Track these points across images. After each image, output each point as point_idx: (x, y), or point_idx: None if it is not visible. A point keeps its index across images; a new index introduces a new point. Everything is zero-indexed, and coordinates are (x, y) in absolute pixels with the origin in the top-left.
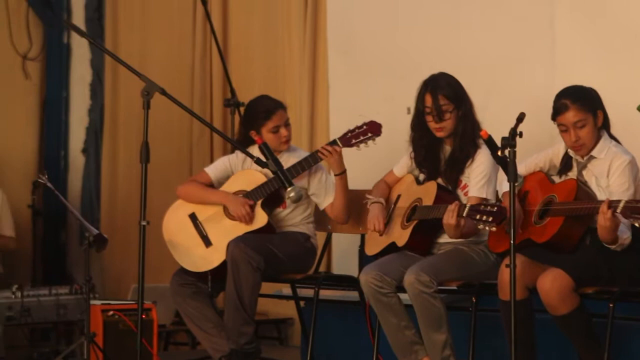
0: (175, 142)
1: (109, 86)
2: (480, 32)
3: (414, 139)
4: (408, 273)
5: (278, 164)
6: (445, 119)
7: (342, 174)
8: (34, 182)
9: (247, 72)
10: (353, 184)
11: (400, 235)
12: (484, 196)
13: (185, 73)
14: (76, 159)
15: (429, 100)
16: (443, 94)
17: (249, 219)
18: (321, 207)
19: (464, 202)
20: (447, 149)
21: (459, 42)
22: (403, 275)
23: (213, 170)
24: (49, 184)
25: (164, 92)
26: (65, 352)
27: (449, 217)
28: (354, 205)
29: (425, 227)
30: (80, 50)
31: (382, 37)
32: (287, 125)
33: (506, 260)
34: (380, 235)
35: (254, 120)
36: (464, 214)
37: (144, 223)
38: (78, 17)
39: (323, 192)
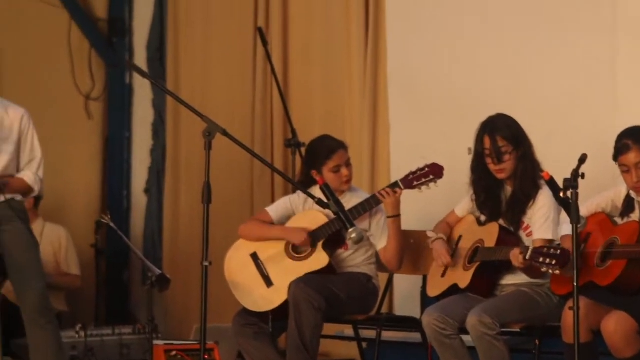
0: (236, 182)
1: (171, 126)
2: (541, 72)
3: (474, 181)
4: (471, 315)
5: (339, 205)
6: (504, 161)
7: (395, 217)
8: (97, 222)
9: (308, 112)
10: (414, 225)
11: (463, 276)
12: (549, 237)
13: (246, 113)
14: (139, 199)
15: (487, 142)
16: (501, 135)
17: (305, 236)
18: (377, 249)
19: (526, 243)
20: (508, 190)
21: (519, 82)
22: (465, 317)
23: (274, 210)
24: (111, 224)
25: (225, 133)
26: None
27: (516, 262)
28: (415, 246)
29: (488, 269)
30: (142, 90)
31: (442, 76)
32: (348, 165)
33: (569, 303)
34: (448, 266)
35: (315, 160)
36: (527, 257)
37: (206, 263)
38: (140, 57)
39: (379, 234)
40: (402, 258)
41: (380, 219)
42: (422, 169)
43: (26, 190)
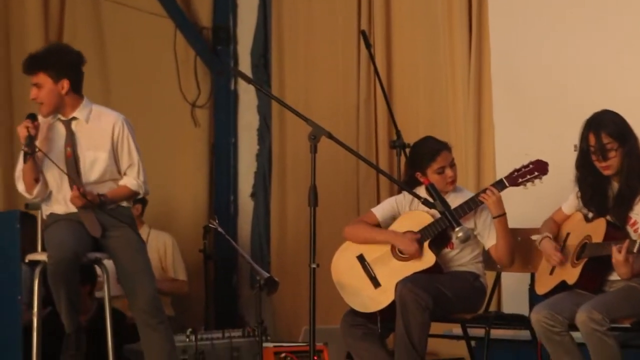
0: (341, 184)
1: (276, 131)
2: None
3: (580, 178)
4: (580, 311)
5: (446, 205)
6: (610, 157)
7: (499, 216)
8: (205, 227)
9: (411, 113)
10: (521, 223)
11: (571, 273)
12: None
13: (350, 116)
14: (245, 204)
15: (592, 140)
16: (607, 132)
17: (419, 254)
18: (486, 248)
19: (634, 238)
20: (615, 185)
21: (624, 79)
22: (575, 313)
23: (380, 211)
24: (219, 229)
25: (330, 136)
26: None
27: (617, 254)
28: (523, 243)
29: (596, 265)
30: (247, 96)
31: (546, 75)
32: (452, 165)
33: None
34: (560, 263)
35: (419, 161)
36: (635, 250)
37: (314, 266)
38: (244, 64)
39: (487, 232)
40: (514, 254)
41: (487, 217)
42: (527, 166)
43: (131, 196)
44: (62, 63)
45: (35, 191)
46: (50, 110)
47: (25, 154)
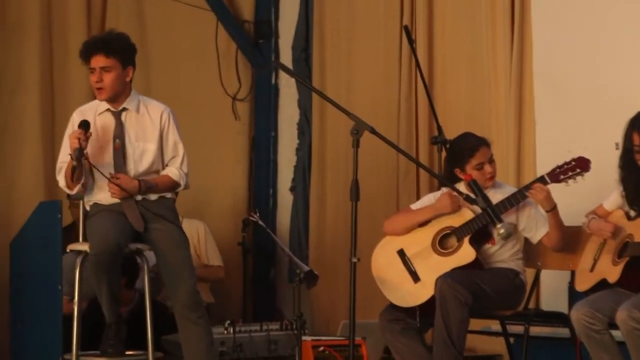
0: (381, 179)
1: (317, 125)
2: None
3: (624, 178)
4: (620, 310)
5: (487, 201)
6: None
7: (553, 209)
8: (244, 220)
9: (453, 109)
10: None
11: (612, 271)
12: None
13: (391, 111)
14: (284, 198)
15: (636, 139)
16: None
17: (458, 204)
18: (535, 241)
19: None
20: None
21: None
22: (615, 312)
23: (420, 207)
24: (260, 222)
25: (373, 131)
26: None
27: None
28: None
29: (638, 264)
30: (288, 90)
31: (588, 72)
32: (491, 161)
33: None
34: (613, 235)
35: (458, 158)
36: None
37: (354, 260)
38: (286, 58)
39: (534, 225)
40: (565, 240)
41: (530, 210)
42: (569, 163)
43: (172, 186)
44: (130, 51)
45: (76, 189)
46: (110, 96)
47: (74, 167)
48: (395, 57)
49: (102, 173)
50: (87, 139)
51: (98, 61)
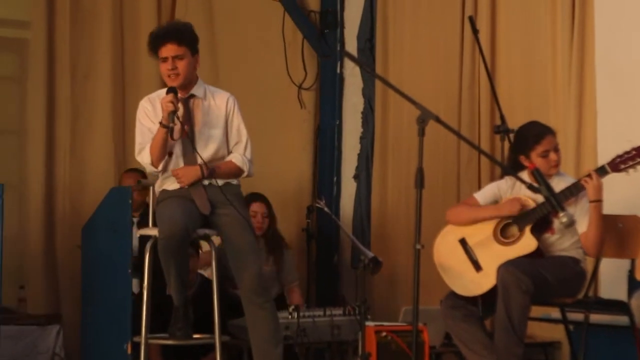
0: (443, 167)
1: (379, 114)
2: None
3: None
4: None
5: (550, 189)
6: None
7: (596, 201)
8: (309, 207)
9: (513, 99)
10: (622, 209)
11: None
12: None
13: (453, 101)
14: (348, 185)
15: None
16: None
17: (518, 205)
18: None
19: None
20: None
21: None
22: None
23: (482, 196)
24: (326, 209)
25: (438, 120)
26: None
27: None
28: (623, 230)
29: None
30: (352, 79)
31: None
32: (556, 150)
33: None
34: None
35: (524, 145)
36: None
37: (418, 247)
38: (351, 47)
39: (581, 219)
40: (602, 245)
41: (585, 203)
42: (629, 152)
43: (236, 172)
44: (196, 40)
45: (162, 165)
46: (183, 82)
47: (168, 129)
48: (457, 47)
49: (191, 138)
50: (178, 101)
51: (170, 50)
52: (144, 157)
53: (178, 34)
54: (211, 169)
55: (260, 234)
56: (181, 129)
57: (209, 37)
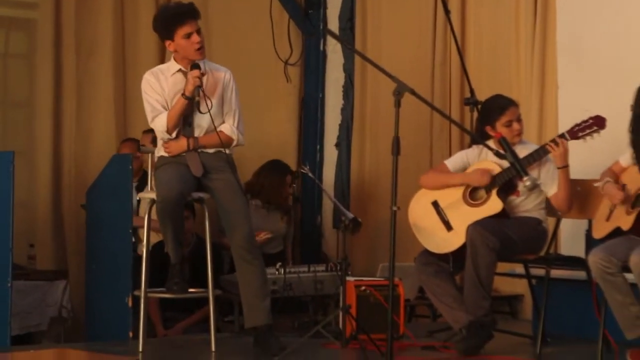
0: (416, 136)
1: (359, 87)
2: None
3: (633, 141)
4: (633, 254)
5: (515, 156)
6: None
7: (564, 167)
8: (295, 172)
9: (480, 73)
10: (580, 174)
11: (626, 220)
12: None
13: (426, 75)
14: (330, 152)
15: None
16: None
17: (488, 177)
18: (547, 196)
19: None
20: None
21: None
22: (628, 256)
23: (452, 162)
24: (310, 174)
25: (413, 92)
26: (325, 321)
27: None
28: (581, 192)
29: None
30: (334, 56)
31: (608, 39)
32: (519, 120)
33: None
34: (622, 201)
35: (489, 115)
36: None
37: (395, 208)
38: (333, 27)
39: (550, 181)
40: (572, 202)
41: (550, 167)
42: (586, 121)
43: (226, 140)
44: None
45: (176, 132)
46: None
47: (191, 101)
48: (430, 26)
49: (208, 102)
50: (202, 76)
51: (193, 25)
52: (158, 124)
53: (196, 11)
54: (196, 141)
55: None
56: (205, 103)
57: (204, 16)
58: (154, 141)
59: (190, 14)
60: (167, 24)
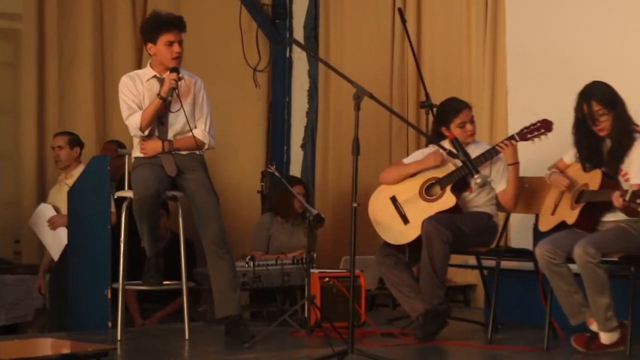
0: (376, 138)
1: (322, 92)
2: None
3: (577, 141)
4: (577, 246)
5: (467, 155)
6: (601, 121)
7: (514, 164)
8: (263, 172)
9: (435, 79)
10: (528, 172)
11: (570, 214)
12: None
13: (385, 80)
14: (296, 153)
15: (585, 108)
16: (596, 101)
17: (442, 161)
18: (496, 192)
19: (624, 187)
20: (608, 143)
21: (623, 49)
22: (572, 248)
23: (410, 161)
24: (276, 173)
25: (372, 96)
26: (291, 310)
27: (616, 203)
28: (529, 189)
29: (592, 208)
30: (299, 62)
31: (556, 45)
32: (472, 121)
33: None
34: (567, 189)
35: (445, 117)
36: (627, 199)
37: (355, 205)
38: (298, 35)
39: (498, 179)
40: (518, 200)
41: (500, 166)
42: (535, 124)
43: (198, 144)
44: None
45: (148, 131)
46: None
47: (165, 101)
48: (389, 35)
49: (180, 104)
50: (178, 81)
51: (177, 35)
52: (132, 122)
53: (183, 24)
54: (171, 143)
55: (300, 212)
56: (176, 104)
57: None
58: (69, 143)
59: (178, 25)
60: (155, 27)
